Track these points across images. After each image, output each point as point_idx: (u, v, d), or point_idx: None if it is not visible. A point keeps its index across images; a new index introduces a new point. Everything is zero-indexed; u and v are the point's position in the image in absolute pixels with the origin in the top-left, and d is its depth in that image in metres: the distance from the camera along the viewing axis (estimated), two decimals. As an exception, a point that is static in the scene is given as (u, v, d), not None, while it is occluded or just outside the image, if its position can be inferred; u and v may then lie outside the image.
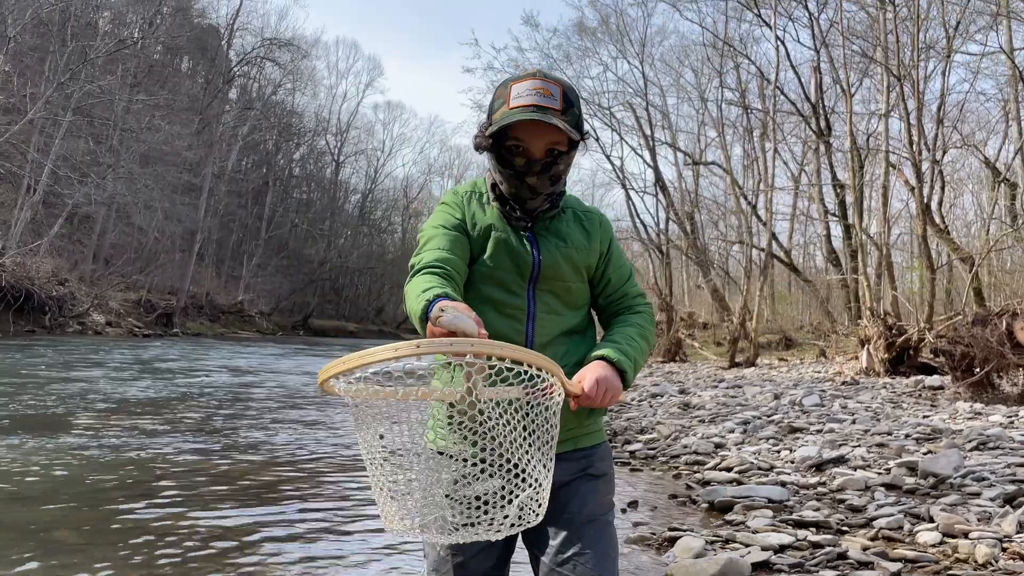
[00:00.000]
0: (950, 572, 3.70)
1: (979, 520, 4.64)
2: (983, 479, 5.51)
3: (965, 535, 4.19)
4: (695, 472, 6.53)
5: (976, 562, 3.86)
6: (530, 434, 1.56)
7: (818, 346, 27.03)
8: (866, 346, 18.99)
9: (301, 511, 5.11)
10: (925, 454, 6.93)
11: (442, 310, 1.46)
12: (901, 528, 4.46)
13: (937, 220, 25.39)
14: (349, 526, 4.76)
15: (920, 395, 13.38)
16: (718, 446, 7.36)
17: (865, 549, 3.97)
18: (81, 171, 36.57)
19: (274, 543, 4.37)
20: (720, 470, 6.35)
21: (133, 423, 8.46)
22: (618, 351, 1.80)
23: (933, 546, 4.17)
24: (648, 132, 33.24)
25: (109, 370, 15.20)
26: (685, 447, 7.45)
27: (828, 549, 3.75)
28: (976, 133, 30.00)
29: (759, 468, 6.25)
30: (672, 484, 6.09)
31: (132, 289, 42.95)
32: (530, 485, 1.56)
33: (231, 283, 57.77)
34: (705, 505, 5.16)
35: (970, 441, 7.43)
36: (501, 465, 1.56)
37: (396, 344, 1.41)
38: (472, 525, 1.57)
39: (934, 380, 14.62)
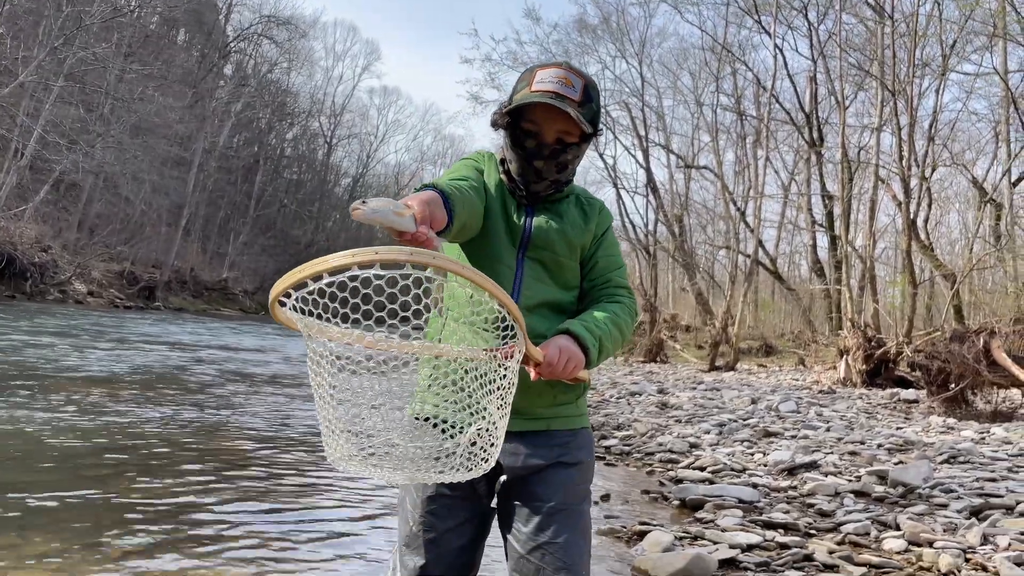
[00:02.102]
0: (912, 578, 3.75)
1: (945, 530, 4.71)
2: (951, 491, 5.58)
3: (930, 544, 4.25)
4: (668, 470, 6.58)
5: (939, 571, 3.93)
6: (486, 383, 1.54)
7: (798, 354, 27.22)
8: (845, 357, 19.13)
9: (271, 483, 5.11)
10: (896, 463, 7.01)
11: (364, 202, 1.35)
12: (868, 534, 4.52)
13: (922, 236, 25.63)
14: (321, 500, 4.77)
15: (895, 407, 13.51)
16: (693, 446, 7.42)
17: (831, 552, 4.02)
18: (70, 138, 36.22)
19: (245, 516, 4.37)
20: (693, 469, 6.40)
21: (103, 394, 8.42)
22: (584, 328, 1.80)
23: (898, 553, 4.23)
24: (642, 132, 33.35)
25: (85, 340, 15.10)
26: (660, 445, 7.50)
27: (795, 550, 3.80)
28: (966, 152, 30.29)
29: (732, 469, 6.31)
30: (645, 480, 6.13)
31: (116, 260, 42.65)
32: (480, 421, 1.53)
33: (216, 260, 57.47)
34: (676, 502, 5.21)
35: (941, 454, 7.52)
36: (469, 414, 1.55)
37: (353, 250, 1.30)
38: (414, 460, 1.56)
39: (909, 394, 14.77)
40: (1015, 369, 12.71)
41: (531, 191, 1.93)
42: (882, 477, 6.07)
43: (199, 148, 51.76)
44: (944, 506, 5.25)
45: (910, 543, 4.33)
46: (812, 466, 6.40)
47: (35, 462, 5.08)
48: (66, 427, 6.27)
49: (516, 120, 1.91)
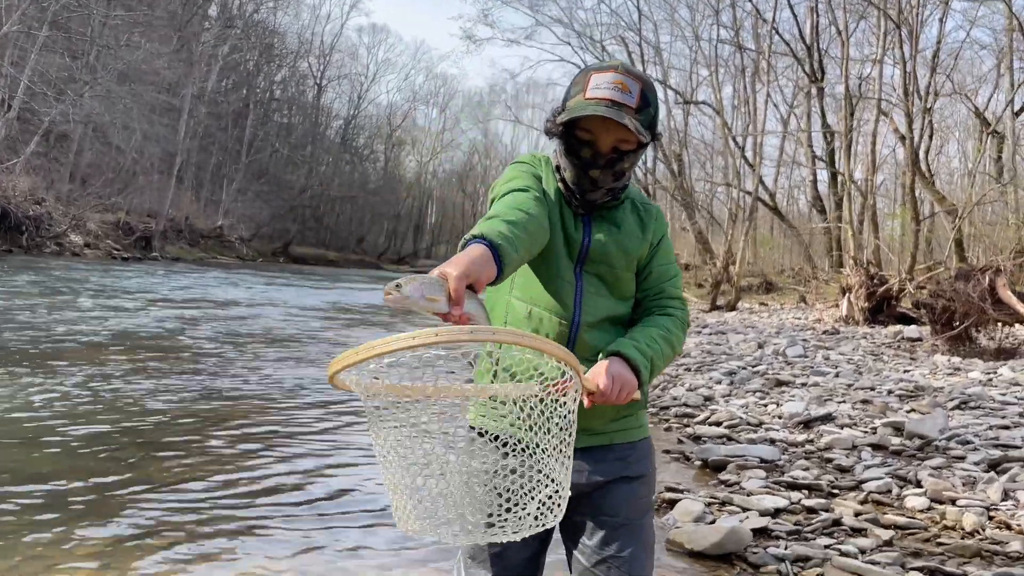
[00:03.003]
0: (939, 540, 3.81)
1: (964, 484, 4.77)
2: (967, 442, 5.65)
3: (953, 502, 4.31)
4: (685, 425, 6.65)
5: (964, 530, 3.99)
6: (547, 431, 1.55)
7: (798, 291, 27.32)
8: (847, 295, 19.19)
9: (297, 459, 5.15)
10: (909, 412, 7.09)
11: (398, 286, 1.38)
12: (890, 492, 4.58)
13: (924, 168, 25.47)
14: (350, 479, 4.82)
15: (899, 347, 13.61)
16: (707, 399, 7.47)
17: (857, 515, 4.07)
18: (57, 88, 35.60)
19: (272, 495, 4.41)
20: (710, 424, 6.46)
21: (103, 358, 8.43)
22: (636, 349, 1.77)
23: (921, 511, 4.29)
24: (640, 68, 32.79)
25: (85, 295, 15.07)
26: (675, 399, 7.56)
27: (824, 516, 3.86)
28: (968, 81, 29.91)
29: (748, 423, 6.37)
30: (664, 437, 6.19)
31: (110, 211, 42.30)
32: (548, 484, 1.56)
33: (211, 207, 57.08)
34: (699, 463, 5.26)
35: (952, 399, 7.59)
36: (525, 448, 1.56)
37: (414, 332, 1.33)
38: (491, 525, 1.58)
39: (912, 332, 14.87)
40: (1020, 307, 12.77)
41: (587, 199, 1.88)
42: (898, 429, 6.13)
43: (188, 94, 50.91)
44: (961, 458, 5.31)
45: (932, 500, 4.39)
46: (827, 418, 6.46)
47: (35, 441, 5.11)
48: (65, 402, 6.28)
49: (570, 128, 1.85)
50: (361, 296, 25.62)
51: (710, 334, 14.13)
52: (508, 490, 1.57)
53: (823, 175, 31.57)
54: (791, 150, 35.35)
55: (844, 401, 7.53)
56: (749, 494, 4.29)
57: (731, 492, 4.34)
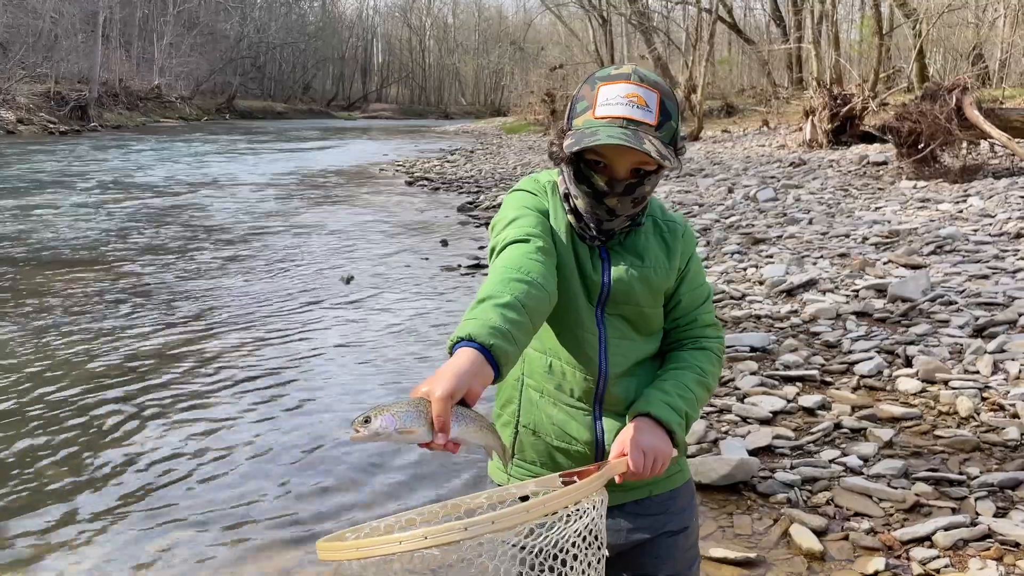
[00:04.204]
0: (936, 432, 3.85)
1: (951, 354, 4.81)
2: (951, 303, 5.67)
3: (946, 383, 4.34)
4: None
5: (959, 416, 4.03)
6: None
7: (759, 112, 26.97)
8: (810, 118, 18.96)
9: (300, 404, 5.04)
10: (887, 264, 7.10)
11: (366, 420, 1.18)
12: (880, 374, 4.60)
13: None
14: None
15: (865, 173, 13.59)
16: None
17: (854, 409, 4.09)
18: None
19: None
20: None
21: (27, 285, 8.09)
22: (667, 406, 1.57)
23: (914, 395, 4.32)
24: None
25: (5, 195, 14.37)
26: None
27: (823, 422, 3.86)
28: None
29: (731, 298, 6.34)
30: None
31: (38, 80, 39.96)
32: None
33: (144, 67, 54.12)
34: (688, 353, 5.23)
35: (927, 244, 7.61)
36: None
37: (400, 536, 1.16)
38: None
39: (877, 155, 14.81)
40: (986, 126, 12.69)
41: (603, 229, 1.64)
42: (880, 291, 6.13)
43: (98, -59, 46.88)
44: (946, 322, 5.34)
45: (924, 382, 4.42)
46: (810, 284, 6.44)
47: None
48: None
49: (580, 153, 1.59)
50: (317, 158, 24.86)
51: (678, 178, 13.94)
52: None
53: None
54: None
55: (822, 256, 7.51)
56: (744, 396, 4.28)
57: (727, 395, 4.32)
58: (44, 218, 11.26)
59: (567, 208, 1.67)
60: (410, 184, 17.08)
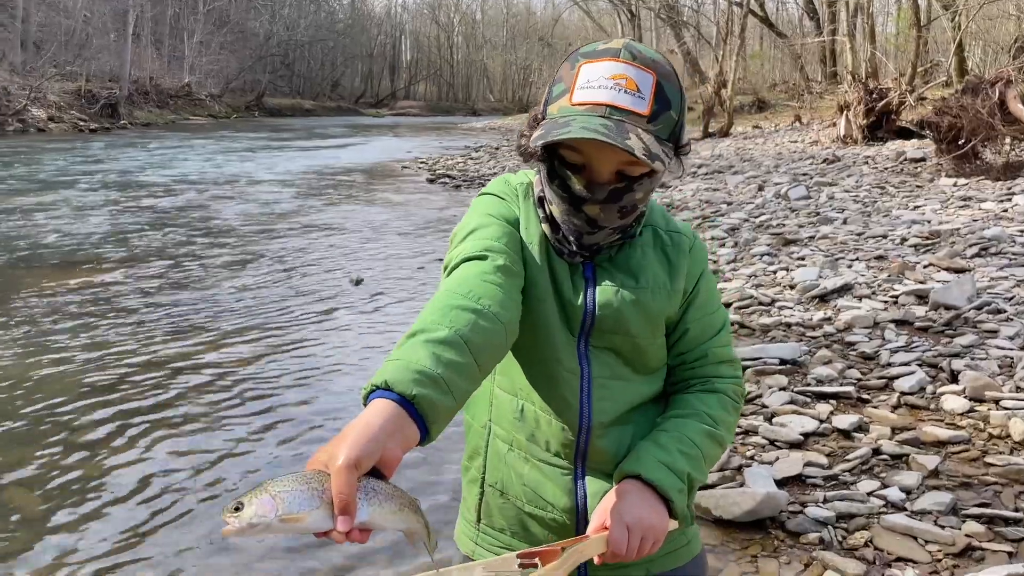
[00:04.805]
0: (987, 459, 3.45)
1: (1000, 369, 4.40)
2: (999, 311, 5.24)
3: (996, 402, 3.93)
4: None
5: (1012, 440, 3.63)
6: None
7: (791, 107, 26.31)
8: (845, 113, 18.39)
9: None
10: (926, 267, 6.65)
11: (238, 507, 0.88)
12: (923, 391, 4.20)
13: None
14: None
15: (903, 170, 13.05)
16: (713, 272, 7.00)
17: (894, 431, 3.70)
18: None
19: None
20: (719, 306, 6.04)
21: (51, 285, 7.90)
22: (664, 466, 1.23)
23: (961, 415, 3.92)
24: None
25: (38, 192, 14.30)
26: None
27: (860, 448, 3.47)
28: None
29: (760, 303, 5.93)
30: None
31: (69, 79, 40.25)
32: None
33: (175, 64, 54.42)
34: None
35: (971, 246, 7.15)
36: None
37: None
38: None
39: (915, 151, 14.25)
40: (1032, 120, 12.12)
41: (583, 244, 1.29)
42: (921, 297, 5.71)
43: (129, -59, 47.21)
44: (994, 333, 4.92)
45: (972, 400, 4.01)
46: (845, 289, 6.02)
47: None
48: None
49: (554, 148, 1.25)
50: (340, 156, 24.71)
51: (706, 175, 13.49)
52: None
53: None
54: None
55: (857, 258, 7.08)
56: (772, 416, 3.90)
57: (753, 415, 3.94)
58: (59, 216, 11.12)
59: (542, 216, 1.32)
60: (431, 182, 16.79)
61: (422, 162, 21.08)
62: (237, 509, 0.88)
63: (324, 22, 73.44)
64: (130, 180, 16.02)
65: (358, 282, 7.39)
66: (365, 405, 0.97)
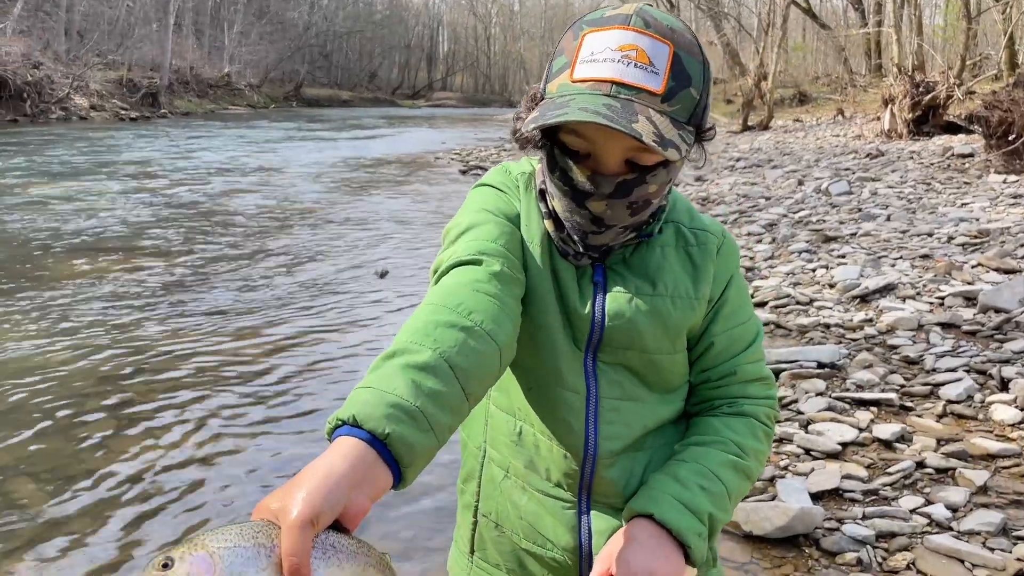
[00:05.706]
0: (1041, 476, 3.22)
1: (1055, 376, 4.14)
2: (1053, 315, 4.95)
3: (1050, 414, 3.69)
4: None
5: (1068, 455, 3.39)
6: None
7: (834, 101, 25.73)
8: (889, 106, 17.90)
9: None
10: (974, 267, 6.36)
11: (166, 565, 0.73)
12: (971, 399, 3.96)
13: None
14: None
15: (949, 166, 12.62)
16: (748, 269, 6.77)
17: (939, 443, 3.47)
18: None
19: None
20: (755, 305, 5.81)
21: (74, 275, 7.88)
22: (680, 505, 1.06)
23: (1011, 426, 3.68)
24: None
25: (77, 177, 14.41)
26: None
27: (903, 461, 3.25)
28: None
29: (798, 303, 5.70)
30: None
31: (111, 68, 40.82)
32: None
33: (215, 54, 54.93)
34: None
35: (1022, 246, 6.83)
36: None
37: None
38: None
39: (963, 146, 13.80)
40: (1088, 115, 11.64)
41: (589, 244, 1.12)
42: (969, 299, 5.44)
43: (173, -68, 47.72)
44: (1048, 338, 4.65)
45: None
46: (887, 289, 5.76)
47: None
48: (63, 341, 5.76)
49: (553, 132, 1.08)
50: (374, 146, 24.70)
51: (744, 168, 13.17)
52: None
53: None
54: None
55: (901, 257, 6.80)
56: (808, 424, 3.69)
57: (788, 421, 3.74)
58: (89, 204, 11.17)
59: (544, 211, 1.15)
60: (463, 173, 16.65)
61: (455, 153, 20.95)
62: (166, 566, 0.73)
63: (362, 13, 73.66)
64: (162, 168, 16.10)
65: (383, 274, 7.27)
66: (330, 441, 0.82)
